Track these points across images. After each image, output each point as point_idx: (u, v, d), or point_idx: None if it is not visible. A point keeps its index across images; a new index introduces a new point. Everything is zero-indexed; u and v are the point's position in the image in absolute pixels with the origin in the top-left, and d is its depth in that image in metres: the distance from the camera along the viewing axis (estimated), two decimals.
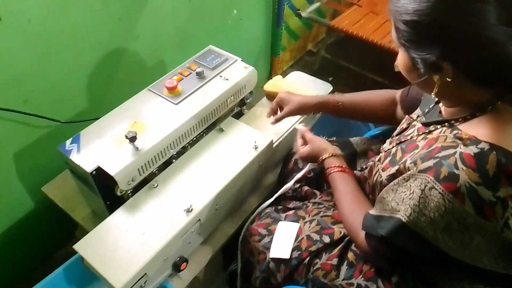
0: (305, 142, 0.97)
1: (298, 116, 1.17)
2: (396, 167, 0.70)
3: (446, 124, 0.68)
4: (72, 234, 1.41)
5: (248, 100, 1.21)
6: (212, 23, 1.60)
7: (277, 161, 1.20)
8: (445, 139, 0.64)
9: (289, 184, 1.01)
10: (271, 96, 1.21)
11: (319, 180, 1.02)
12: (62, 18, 1.05)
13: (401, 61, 0.67)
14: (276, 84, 1.20)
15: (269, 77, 2.12)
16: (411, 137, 0.75)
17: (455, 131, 0.64)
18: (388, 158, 0.76)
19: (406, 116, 0.87)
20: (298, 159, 1.09)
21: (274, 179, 1.20)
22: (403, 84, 2.02)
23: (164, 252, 0.87)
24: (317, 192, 1.00)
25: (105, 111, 1.27)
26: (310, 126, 1.13)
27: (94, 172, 0.90)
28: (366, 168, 0.95)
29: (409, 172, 0.65)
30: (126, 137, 0.92)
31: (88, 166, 0.90)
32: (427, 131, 0.72)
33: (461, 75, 0.59)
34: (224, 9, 1.63)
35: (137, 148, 0.93)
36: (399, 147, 0.75)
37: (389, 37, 1.72)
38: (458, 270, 0.68)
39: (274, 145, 1.11)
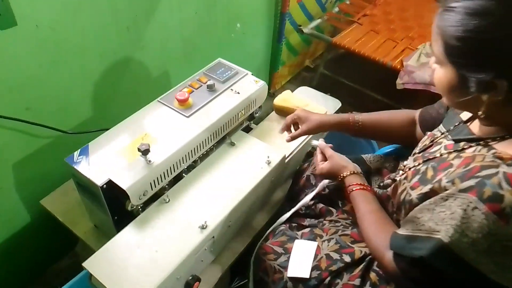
0: (324, 158, 0.96)
1: None
2: (429, 186, 0.68)
3: (481, 142, 0.67)
4: (69, 248, 1.36)
5: (257, 114, 1.19)
6: (217, 36, 1.59)
7: (286, 177, 1.18)
8: (483, 158, 0.63)
9: (307, 199, 0.99)
10: (280, 111, 1.20)
11: (333, 197, 1.00)
12: (71, 24, 1.02)
13: (443, 79, 0.66)
14: (286, 99, 1.19)
15: (268, 92, 2.11)
16: (441, 155, 0.73)
17: (492, 150, 0.63)
18: (417, 177, 0.74)
19: (428, 133, 0.86)
20: (310, 175, 1.07)
21: (282, 195, 1.18)
22: (403, 102, 2.03)
23: (178, 271, 0.83)
24: (333, 210, 0.98)
25: (108, 122, 1.24)
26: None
27: (104, 185, 0.86)
28: (382, 186, 0.94)
29: (447, 192, 0.63)
30: (139, 149, 0.89)
31: (98, 179, 0.86)
32: (458, 149, 0.71)
33: None
34: (229, 22, 1.62)
35: (149, 161, 0.90)
36: (429, 165, 0.73)
37: (390, 55, 1.76)
38: None
39: (286, 160, 1.09)
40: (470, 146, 0.69)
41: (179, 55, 1.45)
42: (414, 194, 0.72)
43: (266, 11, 1.80)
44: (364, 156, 1.10)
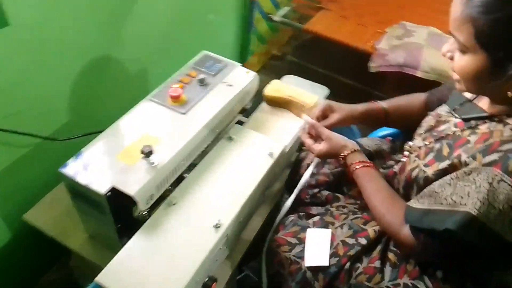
0: (314, 138, 0.95)
1: (301, 121, 1.15)
2: (447, 162, 0.71)
3: (495, 119, 0.70)
4: (57, 261, 1.28)
5: (248, 107, 1.17)
6: (191, 28, 1.54)
7: (284, 168, 1.17)
8: (501, 133, 0.66)
9: (303, 181, 0.98)
10: (272, 101, 1.18)
11: (338, 184, 1.01)
12: (49, 22, 0.94)
13: (470, 66, 0.66)
14: (277, 89, 1.17)
15: None
16: (454, 133, 0.76)
17: (508, 126, 0.66)
18: (432, 154, 0.76)
19: (432, 113, 0.88)
20: (310, 163, 1.07)
21: (280, 186, 1.17)
22: (375, 85, 2.08)
23: (198, 274, 0.80)
24: (340, 196, 0.98)
25: (91, 126, 1.17)
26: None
27: (108, 193, 0.81)
28: (386, 167, 0.96)
29: (470, 166, 0.65)
30: (142, 152, 0.84)
31: (101, 188, 0.81)
32: (471, 126, 0.73)
33: None
34: (202, 13, 1.58)
35: (153, 163, 0.86)
36: (443, 143, 0.76)
37: (362, 39, 1.78)
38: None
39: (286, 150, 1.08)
40: (484, 123, 0.72)
41: (156, 49, 1.39)
42: (430, 171, 0.74)
43: (235, 1, 1.76)
44: (358, 140, 1.12)
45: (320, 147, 0.94)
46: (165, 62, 1.44)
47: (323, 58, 2.28)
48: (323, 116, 1.02)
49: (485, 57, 0.64)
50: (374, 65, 1.66)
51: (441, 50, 1.64)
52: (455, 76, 0.72)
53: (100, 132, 1.14)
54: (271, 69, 2.34)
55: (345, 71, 2.07)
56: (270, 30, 2.19)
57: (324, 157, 0.95)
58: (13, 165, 1.04)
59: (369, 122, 1.05)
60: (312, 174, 1.06)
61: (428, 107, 0.98)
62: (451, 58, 0.71)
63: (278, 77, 1.29)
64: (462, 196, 0.65)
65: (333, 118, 1.00)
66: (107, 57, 1.18)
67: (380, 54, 1.66)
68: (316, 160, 1.01)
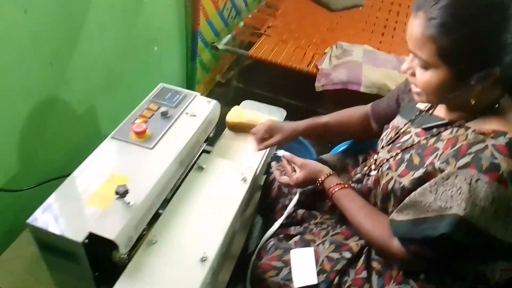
0: (292, 168, 0.99)
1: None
2: (421, 170, 0.76)
3: (455, 124, 0.77)
4: None
5: (211, 135, 1.17)
6: (137, 62, 1.52)
7: (254, 192, 1.18)
8: (466, 137, 0.72)
9: (290, 207, 1.01)
10: (235, 127, 1.19)
11: (311, 201, 1.04)
12: None
13: (434, 79, 0.71)
14: (238, 114, 1.19)
15: None
16: (419, 141, 0.82)
17: (470, 129, 0.73)
18: (404, 165, 0.81)
19: (391, 125, 0.95)
20: (281, 184, 1.09)
21: (251, 211, 1.17)
22: (317, 103, 2.18)
23: None
24: (316, 213, 1.01)
25: (46, 172, 1.10)
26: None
27: (86, 240, 0.76)
28: (355, 181, 1.01)
29: (446, 172, 0.71)
30: (117, 192, 0.80)
31: (77, 236, 0.76)
32: (433, 134, 0.80)
33: (499, 79, 0.67)
34: (146, 46, 1.56)
35: (128, 203, 0.82)
36: (412, 153, 0.81)
37: (304, 62, 1.87)
38: (494, 254, 0.76)
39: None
40: (445, 129, 0.78)
41: (103, 86, 1.35)
42: (406, 181, 0.79)
43: (178, 32, 1.77)
44: (322, 156, 1.16)
45: (296, 175, 0.97)
46: (112, 98, 1.41)
47: (265, 81, 2.35)
48: (268, 136, 1.08)
49: (448, 71, 0.70)
50: (320, 84, 1.74)
51: (376, 66, 1.78)
52: (415, 89, 0.78)
53: (56, 178, 1.09)
54: (217, 96, 2.35)
55: (287, 92, 2.14)
56: (213, 59, 2.22)
57: (302, 185, 0.98)
58: None
59: (312, 137, 1.12)
60: (285, 195, 1.08)
61: (374, 117, 1.06)
62: (413, 74, 0.77)
63: (226, 103, 1.31)
64: (446, 200, 0.70)
65: (276, 138, 1.07)
66: (54, 98, 1.12)
67: (324, 73, 1.75)
68: (298, 192, 1.03)
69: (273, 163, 1.09)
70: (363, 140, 1.17)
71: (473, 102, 0.72)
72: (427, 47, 0.69)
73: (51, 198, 0.83)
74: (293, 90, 2.20)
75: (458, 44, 0.67)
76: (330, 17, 2.36)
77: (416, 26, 0.70)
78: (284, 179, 1.00)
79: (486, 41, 0.66)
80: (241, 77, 2.31)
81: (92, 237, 0.77)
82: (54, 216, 0.79)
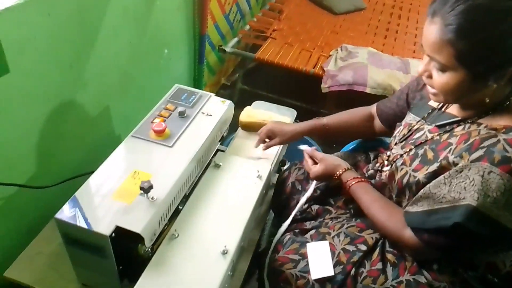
0: (314, 162, 1.02)
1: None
2: (436, 165, 0.79)
3: (468, 121, 0.80)
4: None
5: (225, 134, 1.20)
6: (148, 64, 1.55)
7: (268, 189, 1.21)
8: (478, 132, 0.76)
9: (302, 202, 1.04)
10: (247, 126, 1.23)
11: (325, 197, 1.07)
12: (14, 68, 0.90)
13: (452, 82, 0.74)
14: (250, 114, 1.23)
15: None
16: (432, 138, 0.85)
17: (482, 125, 0.77)
18: (418, 159, 0.85)
19: (404, 123, 0.98)
20: (294, 181, 1.13)
21: (265, 208, 1.21)
22: (320, 104, 2.21)
23: None
24: (330, 208, 1.04)
25: (65, 171, 1.12)
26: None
27: (113, 234, 0.79)
28: (368, 177, 1.04)
29: (459, 165, 0.74)
30: (141, 188, 0.84)
31: (105, 229, 0.79)
32: (446, 130, 0.83)
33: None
34: (157, 49, 1.60)
35: (152, 199, 0.85)
36: (425, 148, 0.85)
37: (310, 64, 1.91)
38: (505, 243, 0.79)
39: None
40: (458, 126, 0.82)
41: (117, 87, 1.38)
42: (421, 175, 0.82)
43: (186, 35, 1.81)
44: (334, 155, 1.19)
45: (316, 168, 1.00)
46: (125, 100, 1.44)
47: (269, 83, 2.39)
48: (269, 138, 1.14)
49: (466, 73, 0.73)
50: (326, 86, 1.78)
51: (381, 67, 1.81)
52: (432, 90, 0.81)
53: (76, 177, 1.12)
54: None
55: (291, 94, 2.18)
56: (218, 61, 2.25)
57: (320, 178, 1.02)
58: None
59: (314, 137, 1.15)
60: (298, 192, 1.11)
61: (381, 117, 1.09)
62: (429, 77, 0.79)
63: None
64: (460, 191, 0.73)
65: (275, 141, 1.13)
66: (72, 99, 1.15)
67: (330, 75, 1.79)
68: (314, 183, 1.06)
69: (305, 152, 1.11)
70: (365, 139, 1.22)
71: (487, 101, 0.75)
72: (445, 51, 0.72)
73: (78, 194, 0.86)
74: (297, 91, 2.24)
75: (476, 48, 0.70)
76: (333, 20, 2.40)
77: (433, 31, 0.73)
78: (310, 162, 1.04)
79: (502, 44, 0.69)
80: (245, 80, 2.34)
81: (118, 230, 0.80)
82: (81, 211, 0.82)
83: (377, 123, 1.12)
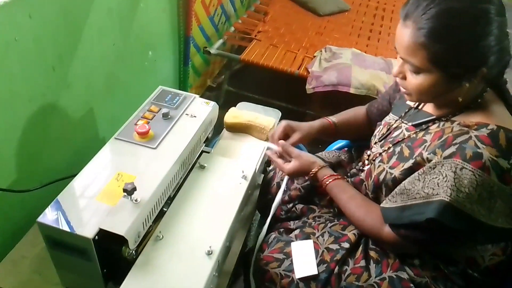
0: (283, 159, 1.02)
1: (263, 143, 1.21)
2: (411, 161, 0.81)
3: (442, 119, 0.82)
4: None
5: (210, 135, 1.21)
6: (133, 66, 1.54)
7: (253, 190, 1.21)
8: (452, 129, 0.78)
9: (278, 199, 1.04)
10: (233, 127, 1.23)
11: (309, 196, 1.08)
12: None
13: (426, 83, 0.76)
14: (235, 115, 1.23)
15: None
16: (409, 136, 0.87)
17: (455, 122, 0.79)
18: (395, 157, 0.87)
19: (383, 122, 1.00)
20: (280, 181, 1.13)
21: (251, 208, 1.21)
22: (307, 106, 2.23)
23: None
24: (315, 207, 1.05)
25: (49, 174, 1.11)
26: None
27: (96, 237, 0.78)
28: (350, 175, 1.05)
29: (433, 161, 0.76)
30: (125, 190, 0.83)
31: (88, 232, 0.78)
32: (422, 128, 0.85)
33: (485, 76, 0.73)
34: (142, 51, 1.59)
35: (136, 201, 0.85)
36: (402, 146, 0.86)
37: (294, 65, 1.92)
38: (480, 237, 0.81)
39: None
40: (433, 124, 0.84)
41: (102, 90, 1.37)
42: (397, 172, 0.84)
43: (171, 36, 1.80)
44: (318, 154, 1.20)
45: (290, 165, 1.00)
46: (110, 102, 1.43)
47: (255, 85, 2.40)
48: (285, 135, 1.09)
49: (440, 75, 0.75)
50: (310, 87, 1.79)
51: (364, 67, 1.84)
52: (404, 91, 0.83)
53: (60, 180, 1.11)
54: (209, 100, 2.39)
55: (277, 95, 2.19)
56: (204, 63, 2.25)
57: (294, 175, 1.02)
58: None
59: (323, 136, 1.15)
60: (284, 192, 1.12)
61: (371, 117, 1.11)
62: (403, 78, 0.81)
63: (218, 107, 1.34)
64: (433, 187, 0.75)
65: (295, 137, 1.08)
66: (55, 101, 1.14)
67: (314, 76, 1.81)
68: (286, 178, 1.07)
69: (267, 151, 1.09)
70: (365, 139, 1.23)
71: (460, 100, 0.77)
72: (419, 54, 0.73)
73: (60, 196, 0.85)
74: (283, 92, 2.25)
75: (449, 51, 0.72)
76: (318, 21, 2.42)
77: (406, 35, 0.74)
78: (279, 161, 1.03)
79: (475, 46, 0.71)
80: (231, 81, 2.35)
81: (102, 233, 0.79)
82: (63, 214, 0.81)
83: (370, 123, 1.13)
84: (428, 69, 0.74)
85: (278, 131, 1.09)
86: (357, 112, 1.17)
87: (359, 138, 1.24)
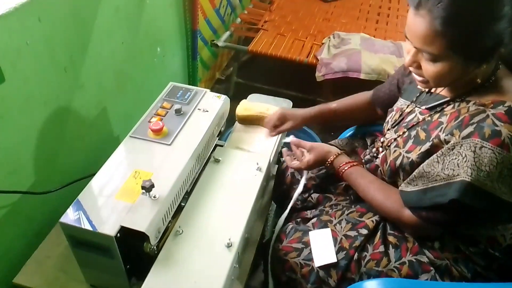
0: (301, 153, 1.03)
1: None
2: (428, 144, 0.81)
3: (457, 100, 0.81)
4: None
5: (223, 128, 1.21)
6: (142, 63, 1.55)
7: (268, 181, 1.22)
8: (468, 109, 0.77)
9: (299, 191, 1.05)
10: (245, 120, 1.23)
11: (325, 185, 1.08)
12: (12, 72, 0.91)
13: (445, 70, 0.74)
14: (247, 108, 1.23)
15: None
16: (424, 119, 0.87)
17: (471, 102, 0.78)
18: (411, 141, 0.86)
19: (395, 108, 0.99)
20: (294, 171, 1.14)
21: (267, 199, 1.22)
22: (318, 94, 2.22)
23: None
24: (331, 196, 1.05)
25: (67, 175, 1.13)
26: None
27: (118, 234, 0.80)
28: (365, 162, 1.05)
29: (451, 142, 0.76)
30: (143, 187, 0.85)
31: (109, 230, 0.80)
32: (436, 111, 0.84)
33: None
34: (151, 47, 1.60)
35: (154, 197, 0.86)
36: (418, 129, 0.86)
37: (303, 53, 1.90)
38: (503, 215, 0.80)
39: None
40: (448, 105, 0.83)
41: (113, 88, 1.38)
42: (414, 155, 0.84)
43: (178, 31, 1.80)
44: (330, 142, 1.20)
45: (307, 158, 1.01)
46: (122, 100, 1.44)
47: (264, 75, 2.39)
48: (280, 124, 1.14)
49: (459, 60, 0.73)
50: (320, 74, 1.78)
51: (374, 52, 1.81)
52: (420, 79, 0.82)
53: (79, 180, 1.13)
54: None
55: (287, 84, 2.19)
56: (212, 56, 2.25)
57: (313, 167, 1.03)
58: None
59: (321, 123, 1.17)
60: (298, 181, 1.12)
61: (376, 102, 1.11)
62: (418, 67, 0.80)
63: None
64: (453, 168, 0.75)
65: (287, 125, 1.13)
66: (69, 102, 1.16)
67: (324, 63, 1.79)
68: (306, 173, 1.07)
69: (284, 150, 1.13)
70: (368, 124, 1.22)
71: (479, 81, 0.76)
72: (436, 42, 0.72)
73: (81, 196, 0.87)
74: (292, 81, 2.24)
75: (468, 36, 0.70)
76: (324, 7, 2.39)
77: (421, 25, 0.72)
78: (295, 164, 1.04)
79: (492, 27, 0.69)
80: (240, 73, 2.34)
81: (123, 230, 0.81)
82: (85, 213, 0.83)
83: (377, 108, 1.13)
84: (447, 56, 0.73)
85: (272, 120, 1.13)
86: (359, 97, 1.17)
87: (362, 122, 1.25)
